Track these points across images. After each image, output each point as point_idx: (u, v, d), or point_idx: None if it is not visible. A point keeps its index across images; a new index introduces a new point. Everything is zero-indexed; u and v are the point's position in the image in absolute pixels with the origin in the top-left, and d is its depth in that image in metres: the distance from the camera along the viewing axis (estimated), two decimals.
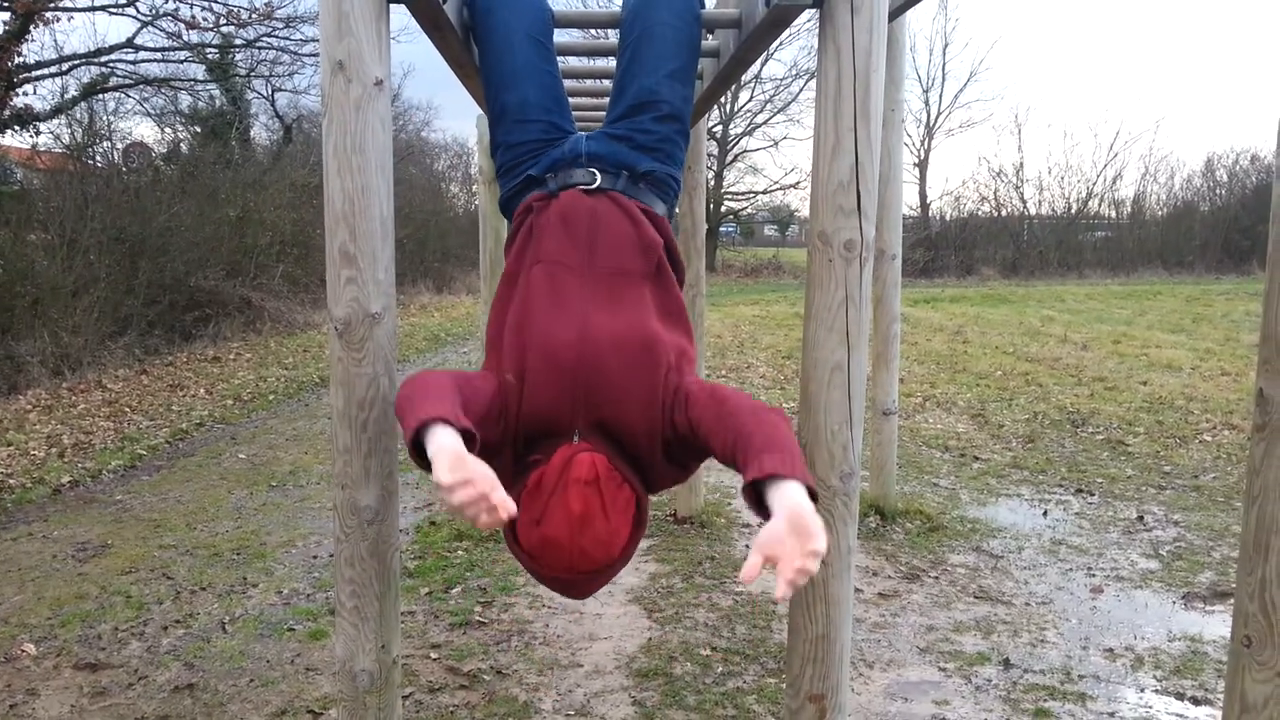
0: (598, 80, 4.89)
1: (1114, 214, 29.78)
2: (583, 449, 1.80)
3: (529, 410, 1.90)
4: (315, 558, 4.81)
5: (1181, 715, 3.23)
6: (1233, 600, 4.07)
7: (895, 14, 4.78)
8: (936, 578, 4.49)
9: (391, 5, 2.13)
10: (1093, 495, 5.86)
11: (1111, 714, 3.23)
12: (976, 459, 6.77)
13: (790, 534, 1.52)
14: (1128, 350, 11.67)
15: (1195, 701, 3.31)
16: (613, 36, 3.06)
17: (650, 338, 1.95)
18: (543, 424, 1.90)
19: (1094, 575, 4.54)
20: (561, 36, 3.07)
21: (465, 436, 1.64)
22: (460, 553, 4.80)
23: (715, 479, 6.16)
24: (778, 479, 1.59)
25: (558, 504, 1.72)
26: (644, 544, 4.91)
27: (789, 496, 1.57)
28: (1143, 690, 3.40)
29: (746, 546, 4.91)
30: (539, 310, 1.99)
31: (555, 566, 1.77)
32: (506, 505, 1.55)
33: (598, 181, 2.15)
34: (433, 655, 3.67)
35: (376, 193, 2.08)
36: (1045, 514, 5.50)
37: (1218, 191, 29.88)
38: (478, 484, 1.53)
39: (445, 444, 1.57)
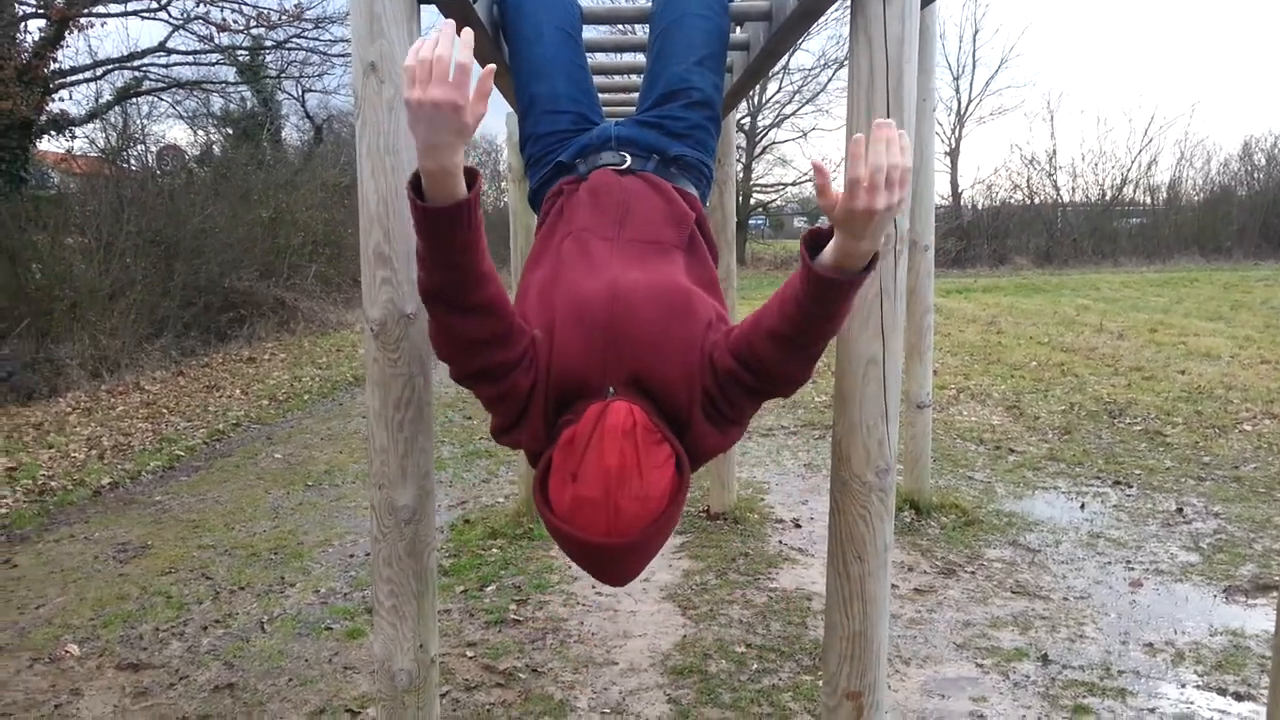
0: (626, 76, 4.89)
1: (1149, 200, 29.36)
2: (617, 399, 1.70)
3: (559, 367, 1.78)
4: (352, 557, 4.85)
5: (1224, 711, 3.18)
6: (1276, 594, 4.00)
7: (926, 1, 4.74)
8: (973, 573, 4.46)
9: (421, 5, 2.13)
10: (1131, 487, 5.79)
11: (1152, 710, 3.19)
12: (1012, 451, 6.70)
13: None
14: (1165, 339, 11.51)
15: (1238, 697, 3.26)
16: (640, 32, 3.04)
17: (686, 288, 1.86)
18: (574, 383, 1.78)
19: (1133, 569, 4.48)
20: (589, 33, 3.07)
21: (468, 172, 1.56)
22: (494, 551, 4.82)
23: (748, 474, 6.15)
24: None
25: (592, 458, 1.60)
26: (677, 540, 4.91)
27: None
28: (1184, 686, 3.36)
29: (780, 542, 4.90)
30: (567, 270, 1.91)
31: (591, 529, 1.61)
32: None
33: (628, 163, 2.13)
34: (469, 653, 3.69)
35: None
36: (1083, 507, 5.44)
37: (1255, 176, 29.37)
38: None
39: None
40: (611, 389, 1.75)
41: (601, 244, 1.95)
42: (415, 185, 1.54)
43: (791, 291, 1.62)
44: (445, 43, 1.41)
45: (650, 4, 2.44)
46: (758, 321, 1.72)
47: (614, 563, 1.69)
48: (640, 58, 3.57)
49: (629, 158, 2.14)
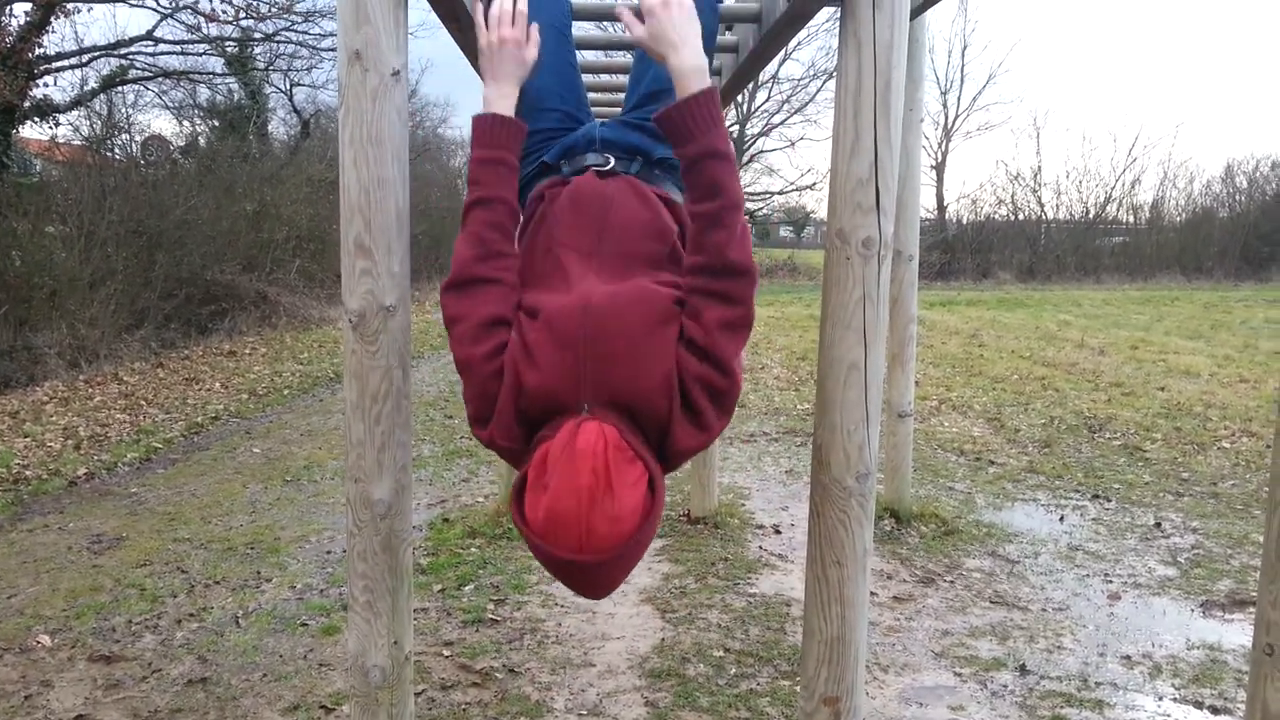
0: (614, 75, 4.88)
1: (1132, 219, 29.60)
2: (590, 419, 1.69)
3: (533, 384, 1.78)
4: (329, 553, 4.81)
5: None
6: (1253, 609, 4.02)
7: (915, 13, 4.75)
8: (952, 582, 4.46)
9: None
10: (1110, 501, 5.81)
11: None
12: (992, 463, 6.72)
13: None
14: (1145, 356, 11.58)
15: (1214, 711, 3.27)
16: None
17: (656, 294, 1.82)
18: (549, 399, 1.78)
19: (1111, 582, 4.49)
20: (578, 31, 3.06)
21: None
22: (473, 550, 4.79)
23: (729, 479, 6.14)
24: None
25: (564, 477, 1.60)
26: (657, 544, 4.90)
27: None
28: (1161, 698, 3.36)
29: (760, 548, 4.89)
30: (542, 285, 1.91)
31: (564, 546, 1.62)
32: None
33: (611, 165, 2.11)
34: (445, 652, 3.66)
35: (392, 184, 2.07)
36: (1062, 519, 5.45)
37: (1237, 198, 29.66)
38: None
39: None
40: (586, 406, 1.75)
41: (579, 259, 1.92)
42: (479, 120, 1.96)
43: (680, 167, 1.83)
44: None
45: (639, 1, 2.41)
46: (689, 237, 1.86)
47: (588, 577, 1.69)
48: (629, 58, 3.55)
49: (613, 160, 2.12)
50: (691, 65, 1.76)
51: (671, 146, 1.80)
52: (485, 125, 1.94)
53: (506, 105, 1.96)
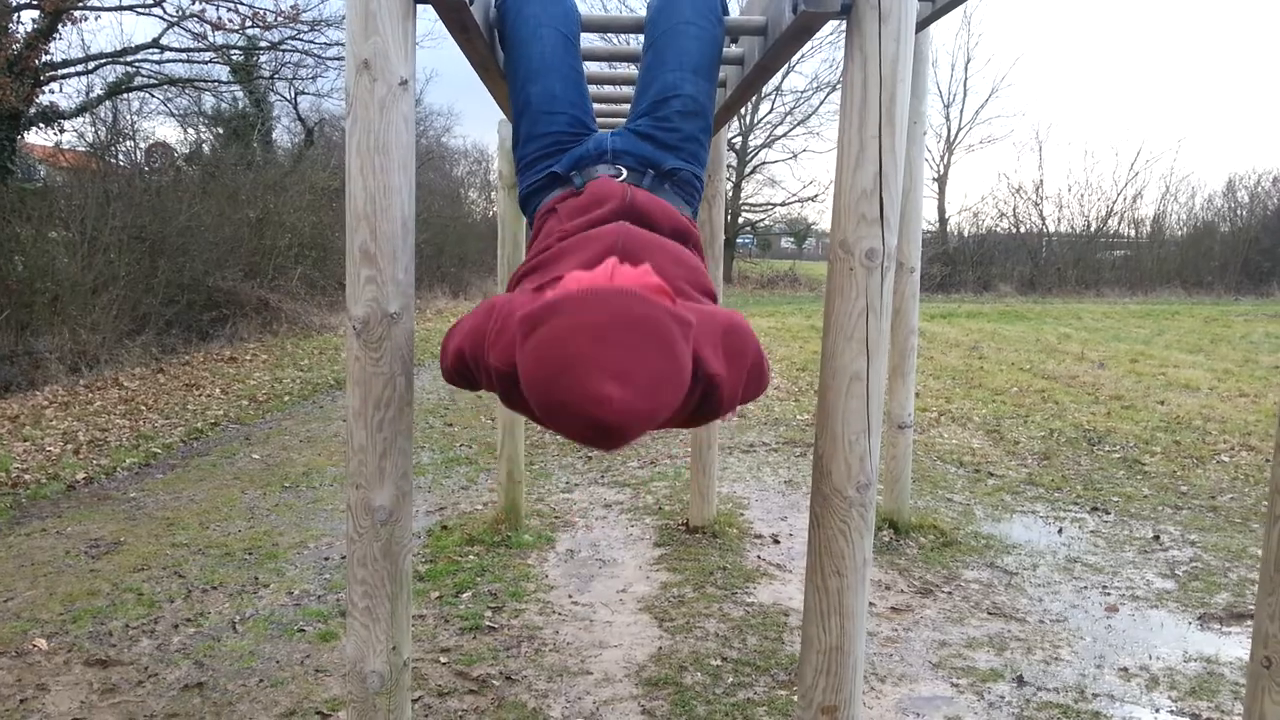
0: (618, 86, 4.89)
1: (1133, 233, 29.70)
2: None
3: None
4: (327, 559, 4.81)
5: None
6: (1250, 622, 4.02)
7: (920, 26, 4.77)
8: (950, 593, 4.46)
9: (418, 6, 2.13)
10: (1108, 514, 5.81)
11: None
12: (991, 475, 6.72)
13: None
14: (1145, 369, 11.58)
15: None
16: (634, 42, 3.06)
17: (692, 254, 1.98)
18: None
19: (1109, 594, 4.49)
20: (583, 42, 3.07)
21: None
22: (472, 557, 4.80)
23: (728, 489, 6.14)
24: None
25: (604, 280, 1.41)
26: (654, 553, 4.90)
27: None
28: (1158, 710, 3.36)
29: (759, 557, 4.89)
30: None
31: (597, 308, 1.33)
32: None
33: (624, 176, 2.12)
34: (442, 659, 3.66)
35: (398, 192, 2.08)
36: (1060, 531, 5.45)
37: (1238, 212, 29.74)
38: None
39: None
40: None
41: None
42: None
43: None
44: None
45: (645, 12, 2.44)
46: None
47: (610, 419, 1.31)
48: (634, 69, 3.57)
49: (625, 171, 2.13)
50: None
51: None
52: None
53: None
